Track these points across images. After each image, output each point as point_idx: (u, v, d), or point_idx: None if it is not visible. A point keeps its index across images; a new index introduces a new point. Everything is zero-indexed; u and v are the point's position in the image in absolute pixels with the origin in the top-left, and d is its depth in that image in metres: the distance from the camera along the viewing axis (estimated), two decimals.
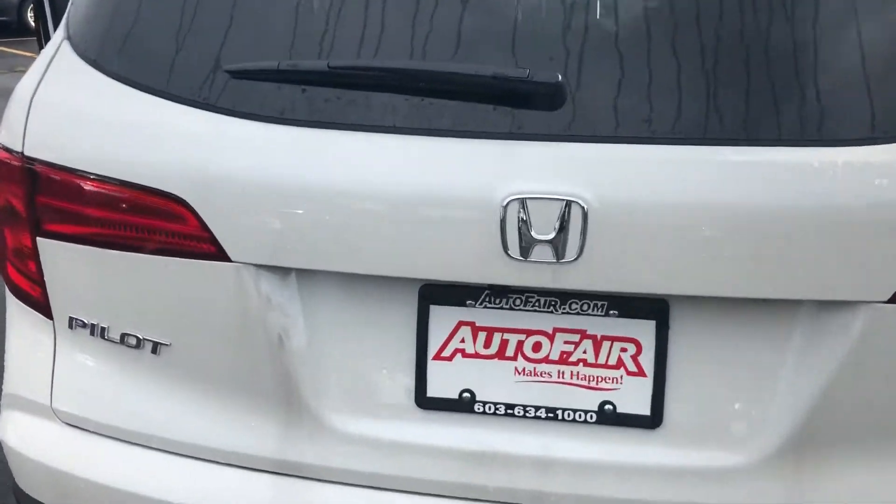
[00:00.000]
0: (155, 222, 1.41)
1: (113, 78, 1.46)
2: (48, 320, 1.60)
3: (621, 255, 1.24)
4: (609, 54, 1.26)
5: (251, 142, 1.34)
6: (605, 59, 1.26)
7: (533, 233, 1.24)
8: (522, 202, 1.24)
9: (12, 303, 1.68)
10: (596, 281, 1.26)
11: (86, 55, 1.51)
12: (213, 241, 1.37)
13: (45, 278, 1.56)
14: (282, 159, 1.32)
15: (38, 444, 1.63)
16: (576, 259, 1.24)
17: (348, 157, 1.31)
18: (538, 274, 1.26)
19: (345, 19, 1.33)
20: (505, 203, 1.24)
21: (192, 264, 1.39)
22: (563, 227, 1.23)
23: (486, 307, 1.35)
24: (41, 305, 1.60)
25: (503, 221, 1.24)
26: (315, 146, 1.32)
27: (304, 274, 1.37)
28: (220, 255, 1.37)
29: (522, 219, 1.24)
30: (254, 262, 1.36)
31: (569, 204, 1.23)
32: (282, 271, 1.37)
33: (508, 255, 1.25)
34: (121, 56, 1.46)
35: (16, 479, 1.70)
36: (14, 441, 1.66)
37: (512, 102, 1.27)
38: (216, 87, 1.37)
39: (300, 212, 1.31)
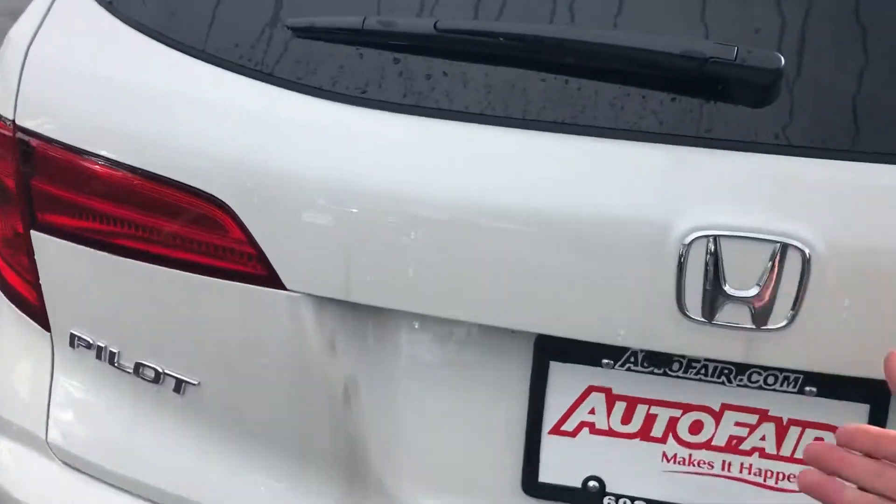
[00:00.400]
0: (183, 228, 1.00)
1: (134, 28, 1.05)
2: (46, 332, 1.21)
3: (849, 323, 0.84)
4: (849, 28, 0.84)
5: (320, 128, 0.93)
6: (843, 36, 0.84)
7: (727, 286, 0.83)
8: (714, 241, 0.83)
9: (2, 303, 1.29)
10: (808, 357, 0.86)
11: None
12: (262, 260, 0.97)
13: (40, 281, 1.17)
14: (362, 156, 0.92)
15: (30, 482, 1.25)
16: (785, 326, 0.84)
17: (455, 158, 0.90)
18: (725, 343, 0.86)
19: None
20: (687, 241, 0.83)
21: (232, 287, 1.00)
22: (772, 281, 0.82)
23: (629, 370, 0.95)
24: (37, 312, 1.21)
25: (682, 266, 0.84)
26: (409, 140, 0.91)
27: (382, 313, 0.97)
28: (270, 279, 0.97)
29: (711, 265, 0.83)
30: (316, 294, 0.96)
31: (784, 247, 0.82)
32: (353, 308, 0.97)
33: (685, 314, 0.85)
34: (149, 1, 1.05)
35: None
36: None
37: (703, 93, 0.85)
38: (274, 49, 0.96)
39: (384, 230, 0.91)
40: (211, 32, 1.00)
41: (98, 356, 1.15)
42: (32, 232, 1.13)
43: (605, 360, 0.95)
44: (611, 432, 0.98)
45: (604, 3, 0.88)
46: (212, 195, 0.97)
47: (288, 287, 0.97)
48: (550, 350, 0.96)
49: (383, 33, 0.91)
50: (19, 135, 1.09)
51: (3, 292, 1.27)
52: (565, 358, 0.97)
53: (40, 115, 1.08)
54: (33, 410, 1.23)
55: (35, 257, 1.15)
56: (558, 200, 0.86)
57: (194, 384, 1.08)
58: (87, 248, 1.08)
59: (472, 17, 0.91)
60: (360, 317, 0.98)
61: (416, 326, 0.98)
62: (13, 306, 1.25)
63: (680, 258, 0.83)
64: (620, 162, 0.86)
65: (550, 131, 0.87)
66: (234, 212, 0.96)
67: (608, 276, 0.86)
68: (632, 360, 0.95)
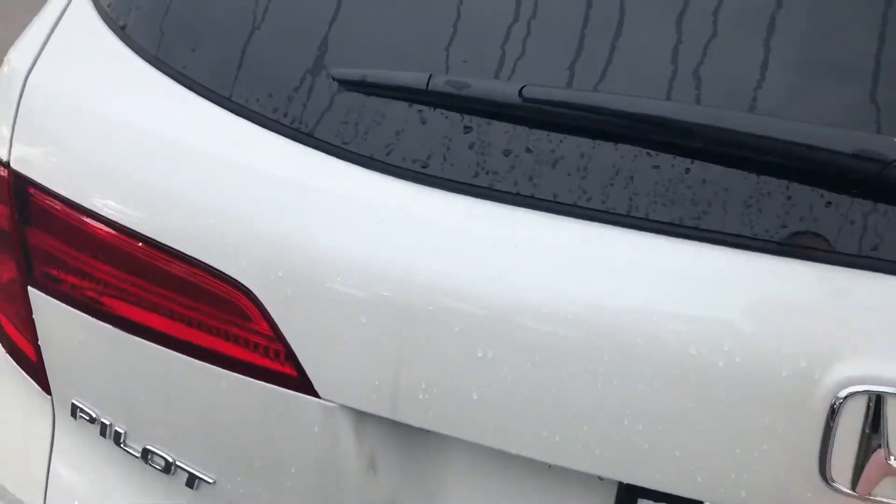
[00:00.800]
0: (199, 312, 0.81)
1: (149, 62, 0.86)
2: (46, 396, 1.03)
3: None
4: None
5: (370, 208, 0.74)
6: None
7: (891, 457, 0.62)
8: (876, 399, 0.62)
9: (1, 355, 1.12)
10: None
11: (112, 19, 0.90)
12: (292, 359, 0.78)
13: (39, 343, 0.99)
14: (420, 245, 0.72)
15: None
16: None
17: (537, 258, 0.70)
18: None
19: (556, 16, 0.70)
20: (842, 395, 0.62)
21: (255, 386, 0.81)
22: None
23: None
24: (36, 371, 1.03)
25: (831, 425, 0.63)
26: (481, 230, 0.71)
27: (434, 434, 0.78)
28: (300, 383, 0.78)
29: (871, 428, 0.62)
30: (355, 407, 0.77)
31: None
32: (401, 427, 0.77)
33: (829, 482, 0.65)
34: (167, 31, 0.85)
35: None
36: None
37: (873, 201, 0.63)
38: (316, 104, 0.76)
39: (443, 340, 0.71)
40: (240, 77, 0.80)
41: (102, 433, 0.97)
42: (30, 288, 0.95)
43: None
44: None
45: (740, 79, 0.66)
46: (231, 278, 0.78)
47: (322, 395, 0.78)
48: (639, 487, 0.76)
49: (453, 97, 0.70)
50: (14, 180, 0.91)
51: (2, 344, 1.09)
52: (657, 497, 0.77)
53: (38, 159, 0.90)
54: (31, 481, 1.06)
55: (33, 316, 0.97)
56: (669, 325, 0.66)
57: (209, 482, 0.90)
58: (86, 316, 0.90)
59: (566, 80, 0.70)
60: (408, 436, 0.79)
61: (474, 453, 0.78)
62: (11, 359, 1.08)
63: (830, 414, 0.63)
64: (754, 282, 0.65)
65: (662, 233, 0.67)
66: (258, 300, 0.77)
67: (730, 426, 0.66)
68: None
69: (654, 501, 0.77)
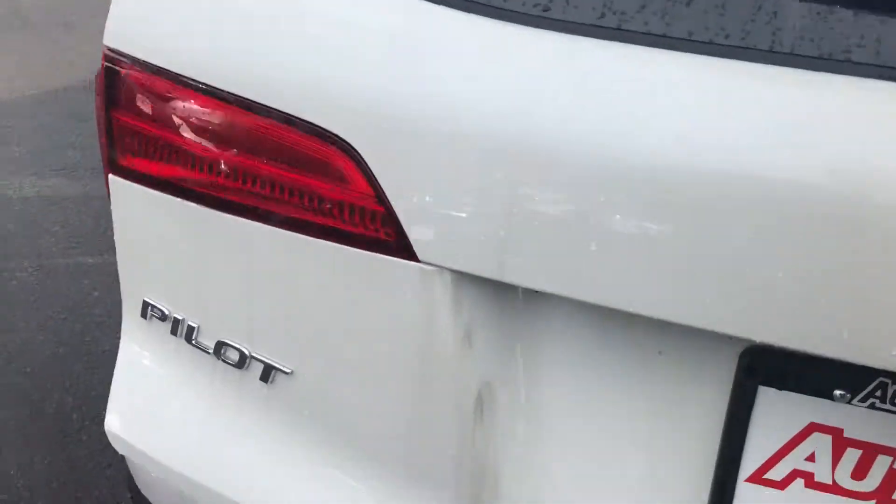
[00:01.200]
0: (293, 175, 0.77)
1: None
2: None
3: None
4: None
5: (485, 57, 0.68)
6: None
7: None
8: None
9: None
10: None
11: None
12: (391, 222, 0.72)
13: (115, 238, 0.95)
14: (539, 94, 0.66)
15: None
16: None
17: (665, 102, 0.64)
18: None
19: None
20: None
21: (348, 253, 0.75)
22: None
23: (873, 407, 0.67)
24: None
25: None
26: (605, 75, 0.65)
27: (536, 301, 0.71)
28: (398, 246, 0.73)
29: None
30: (457, 269, 0.71)
31: None
32: (503, 291, 0.71)
33: None
34: None
35: None
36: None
37: None
38: None
39: (560, 192, 0.65)
40: None
41: (173, 331, 0.92)
42: (110, 176, 0.91)
43: (838, 392, 0.68)
44: (836, 488, 0.70)
45: None
46: (336, 136, 0.72)
47: (420, 258, 0.72)
48: (761, 371, 0.69)
49: None
50: (106, 59, 0.87)
51: None
52: (781, 383, 0.69)
53: (129, 33, 0.86)
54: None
55: (111, 208, 0.93)
56: (817, 167, 0.59)
57: (287, 372, 0.84)
58: (172, 198, 0.85)
59: None
60: (510, 304, 0.72)
61: (582, 322, 0.71)
62: None
63: None
64: None
65: (809, 69, 0.61)
66: (361, 159, 0.72)
67: (882, 278, 0.58)
68: (878, 393, 0.67)
69: (777, 389, 0.70)
